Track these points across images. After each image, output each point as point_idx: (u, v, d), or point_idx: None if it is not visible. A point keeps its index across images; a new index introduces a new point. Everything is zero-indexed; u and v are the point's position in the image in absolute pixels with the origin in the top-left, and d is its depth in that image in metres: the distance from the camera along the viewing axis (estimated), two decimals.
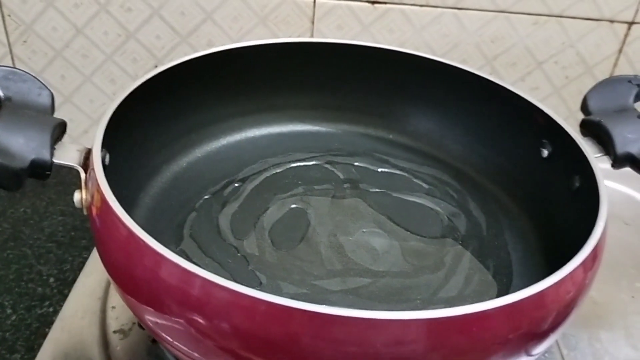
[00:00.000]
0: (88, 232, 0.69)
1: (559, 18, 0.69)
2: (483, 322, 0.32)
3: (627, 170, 0.46)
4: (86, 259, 0.65)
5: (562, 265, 0.40)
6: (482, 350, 0.33)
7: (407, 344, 0.31)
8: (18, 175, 0.37)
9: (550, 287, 0.33)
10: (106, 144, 0.41)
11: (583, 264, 0.34)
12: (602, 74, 0.72)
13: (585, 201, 0.43)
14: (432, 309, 0.38)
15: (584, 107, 0.49)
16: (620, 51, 0.70)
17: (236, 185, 0.53)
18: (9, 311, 0.59)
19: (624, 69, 0.71)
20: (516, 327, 0.32)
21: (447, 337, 0.31)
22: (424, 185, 0.55)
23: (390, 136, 0.60)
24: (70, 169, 0.40)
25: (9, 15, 0.71)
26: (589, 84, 0.72)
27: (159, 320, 0.36)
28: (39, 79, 0.43)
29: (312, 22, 0.70)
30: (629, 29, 0.69)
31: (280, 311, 0.31)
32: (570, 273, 0.34)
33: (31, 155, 0.38)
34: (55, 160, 0.39)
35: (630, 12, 0.68)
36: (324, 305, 0.31)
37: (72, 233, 0.69)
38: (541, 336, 0.34)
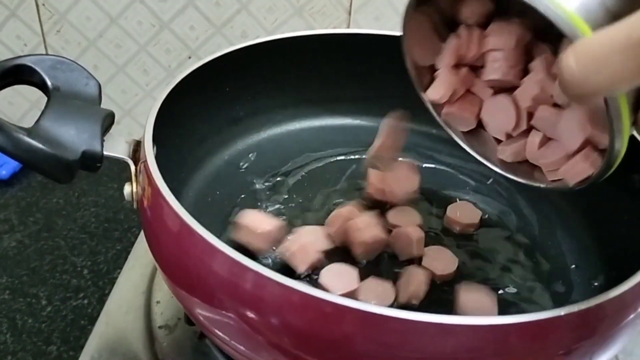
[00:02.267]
0: (121, 224, 0.68)
1: None
2: (551, 330, 0.30)
3: None
4: (119, 250, 0.65)
5: (623, 268, 0.39)
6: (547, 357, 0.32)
7: (474, 350, 0.30)
8: (70, 167, 0.36)
9: (621, 295, 0.31)
10: (153, 136, 0.40)
11: None
12: None
13: None
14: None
15: None
16: None
17: (279, 179, 0.52)
18: (44, 302, 0.59)
19: None
20: (583, 336, 0.31)
21: (514, 344, 0.30)
22: (471, 182, 0.54)
23: (434, 131, 0.58)
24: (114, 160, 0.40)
25: (43, 5, 0.70)
26: None
27: (209, 314, 0.35)
28: (87, 69, 0.42)
29: (349, 13, 0.69)
30: None
31: (334, 309, 0.30)
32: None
33: (82, 147, 0.37)
34: (106, 153, 0.38)
35: None
36: (380, 306, 0.30)
37: (105, 224, 0.69)
38: (606, 346, 0.33)
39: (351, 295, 0.40)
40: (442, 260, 0.44)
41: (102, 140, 0.39)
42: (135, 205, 0.40)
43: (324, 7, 0.69)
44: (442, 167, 0.54)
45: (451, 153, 0.57)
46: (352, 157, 0.54)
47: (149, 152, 0.38)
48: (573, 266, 0.46)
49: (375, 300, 0.40)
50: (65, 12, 0.70)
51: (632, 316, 0.34)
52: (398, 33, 0.58)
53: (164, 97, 0.43)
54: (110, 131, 0.76)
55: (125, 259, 0.56)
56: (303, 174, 0.54)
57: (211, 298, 0.34)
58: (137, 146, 0.40)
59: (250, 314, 0.32)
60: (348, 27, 0.70)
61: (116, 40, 0.72)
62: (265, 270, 0.31)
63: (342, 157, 0.56)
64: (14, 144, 0.34)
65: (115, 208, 0.70)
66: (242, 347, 0.35)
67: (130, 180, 0.39)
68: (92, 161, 0.38)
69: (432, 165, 0.52)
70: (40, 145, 0.35)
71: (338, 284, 0.40)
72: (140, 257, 0.53)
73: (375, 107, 0.60)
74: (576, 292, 0.43)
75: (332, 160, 0.56)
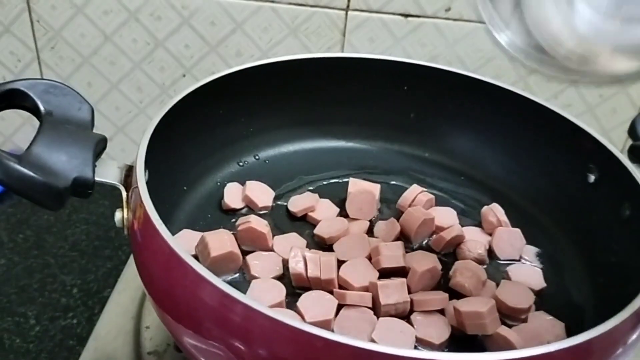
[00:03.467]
0: (112, 242, 0.68)
1: None
2: None
3: None
4: (110, 269, 0.64)
5: (611, 295, 0.39)
6: None
7: None
8: (60, 195, 0.36)
9: (610, 330, 0.32)
10: (146, 161, 0.40)
11: None
12: (637, 94, 0.71)
13: (636, 230, 0.42)
14: None
15: (633, 132, 0.48)
16: None
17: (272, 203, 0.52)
18: (32, 322, 0.58)
19: None
20: None
21: None
22: (463, 206, 0.54)
23: (427, 154, 0.59)
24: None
25: (38, 21, 0.70)
26: (624, 103, 0.72)
27: (197, 343, 0.35)
28: (79, 93, 0.42)
29: (344, 35, 0.69)
30: None
31: (325, 344, 0.30)
32: (636, 312, 0.32)
33: (74, 174, 0.37)
34: (97, 179, 0.38)
35: None
36: (371, 343, 0.30)
37: (96, 242, 0.68)
38: None
39: (326, 324, 0.40)
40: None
41: (94, 166, 0.38)
42: (125, 232, 0.39)
43: (319, 28, 0.69)
44: (434, 191, 0.54)
45: (443, 177, 0.57)
46: (345, 179, 0.54)
47: (141, 179, 0.37)
48: (559, 293, 0.46)
49: (351, 332, 0.40)
50: (60, 28, 0.70)
51: (620, 350, 0.34)
52: (392, 57, 0.58)
53: (157, 122, 0.43)
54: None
55: (116, 277, 0.55)
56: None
57: (199, 327, 0.34)
58: (129, 171, 0.40)
59: (239, 345, 0.33)
60: (342, 48, 0.70)
61: (110, 58, 0.72)
62: (253, 302, 0.31)
63: (336, 180, 0.56)
64: (4, 172, 0.34)
65: (106, 226, 0.70)
66: None
67: (121, 206, 0.39)
68: (83, 188, 0.37)
69: (425, 190, 0.52)
70: (30, 174, 0.34)
71: (313, 311, 0.40)
72: (131, 280, 0.53)
73: (368, 130, 0.60)
74: (568, 320, 0.43)
75: (325, 183, 0.56)
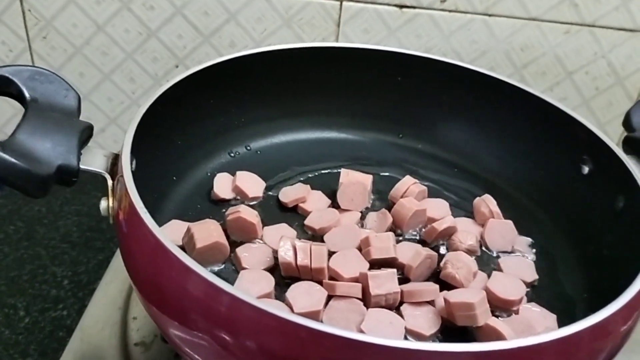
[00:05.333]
0: (103, 233, 0.68)
1: (591, 27, 0.67)
2: (532, 357, 0.30)
3: None
4: (101, 261, 0.64)
5: (603, 287, 0.39)
6: None
7: None
8: (44, 182, 0.36)
9: (609, 318, 0.31)
10: (133, 149, 0.40)
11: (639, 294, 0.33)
12: (633, 86, 0.70)
13: (630, 222, 0.41)
14: None
15: (627, 124, 0.47)
16: None
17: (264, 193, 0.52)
18: (22, 313, 0.58)
19: None
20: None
21: None
22: (456, 198, 0.53)
23: (420, 146, 0.58)
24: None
25: (29, 10, 0.69)
26: (620, 95, 0.71)
27: (183, 335, 0.35)
28: (66, 79, 0.41)
29: (338, 25, 0.69)
30: None
31: (312, 335, 0.30)
32: (626, 304, 0.32)
33: (58, 161, 0.36)
34: (82, 167, 0.38)
35: None
36: (358, 333, 0.30)
37: (88, 234, 0.68)
38: None
39: (315, 315, 0.39)
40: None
41: (79, 154, 0.38)
42: (111, 221, 0.39)
43: (313, 19, 0.68)
44: (427, 183, 0.53)
45: (436, 169, 0.56)
46: (337, 170, 0.53)
47: (127, 167, 0.37)
48: (553, 286, 0.46)
49: (340, 323, 0.39)
50: (52, 18, 0.69)
51: (610, 342, 0.33)
52: (386, 48, 0.58)
53: (145, 110, 0.43)
54: (97, 139, 0.76)
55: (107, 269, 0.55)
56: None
57: (185, 319, 0.33)
58: (115, 160, 0.40)
59: (225, 336, 0.32)
60: (337, 39, 0.69)
61: (103, 48, 0.71)
62: (239, 293, 0.31)
63: (328, 171, 0.56)
64: None
65: (97, 217, 0.70)
66: None
67: (107, 194, 0.39)
68: (67, 176, 0.37)
69: (417, 181, 0.52)
70: (13, 160, 0.34)
71: (302, 302, 0.40)
72: (118, 271, 0.52)
73: (362, 121, 0.60)
74: (560, 312, 0.42)
75: (317, 174, 0.55)
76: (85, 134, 0.39)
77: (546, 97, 0.52)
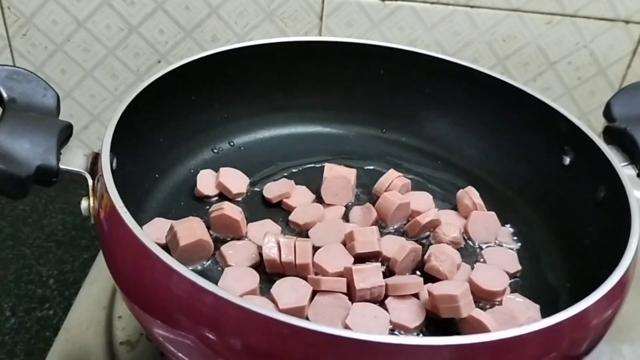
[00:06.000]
0: (89, 232, 0.67)
1: (573, 18, 0.67)
2: (515, 348, 0.30)
3: None
4: (87, 259, 0.64)
5: (585, 277, 0.39)
6: None
7: None
8: (23, 183, 0.35)
9: (590, 307, 0.31)
10: (113, 148, 0.39)
11: (619, 283, 0.33)
12: (615, 76, 0.71)
13: (611, 212, 0.42)
14: None
15: (608, 114, 0.48)
16: (634, 52, 0.69)
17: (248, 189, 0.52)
18: (8, 314, 0.57)
19: (637, 71, 0.70)
20: (548, 351, 0.31)
21: None
22: (439, 190, 0.54)
23: (403, 139, 0.59)
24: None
25: (9, 8, 0.68)
26: (602, 85, 0.71)
27: (167, 334, 0.35)
28: (43, 78, 0.41)
29: (321, 19, 0.68)
30: None
31: (295, 332, 0.30)
32: (607, 293, 0.32)
33: (37, 162, 0.36)
34: (62, 166, 0.38)
35: None
36: (341, 329, 0.30)
37: (73, 232, 0.67)
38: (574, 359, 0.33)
39: (300, 311, 0.39)
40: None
41: (59, 154, 0.38)
42: (92, 221, 0.39)
43: (296, 12, 0.68)
44: (411, 176, 0.53)
45: (420, 162, 0.57)
46: (322, 165, 0.53)
47: (106, 166, 0.37)
48: (535, 278, 0.46)
49: (325, 318, 0.39)
50: (32, 15, 0.69)
51: (592, 332, 0.34)
52: (368, 41, 0.58)
53: (124, 108, 0.42)
54: (80, 137, 0.75)
55: None
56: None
57: (169, 318, 0.33)
58: (96, 159, 0.39)
59: (209, 335, 0.32)
60: (320, 32, 0.69)
61: (84, 45, 0.70)
62: (222, 291, 0.31)
63: (312, 166, 0.56)
64: None
65: (82, 215, 0.69)
66: None
67: (87, 194, 0.38)
68: (47, 176, 0.37)
69: (402, 175, 0.52)
70: None
71: (287, 298, 0.40)
72: (103, 270, 0.52)
73: (345, 115, 0.59)
74: (543, 302, 0.43)
75: (301, 169, 0.55)
76: (65, 133, 0.39)
77: (528, 89, 0.52)
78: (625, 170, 0.43)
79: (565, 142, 0.49)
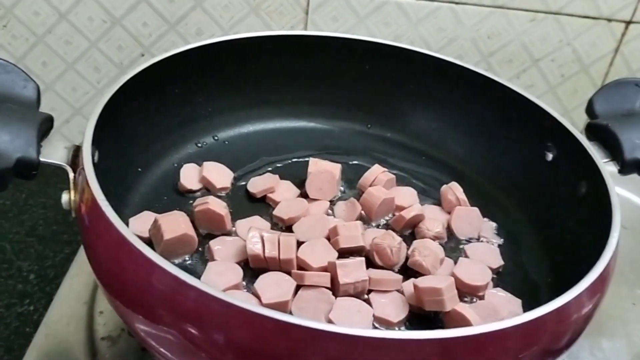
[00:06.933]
0: (70, 227, 0.66)
1: (557, 15, 0.68)
2: (496, 342, 0.30)
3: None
4: (68, 254, 0.63)
5: (566, 272, 0.40)
6: None
7: None
8: (3, 176, 0.35)
9: (571, 302, 0.32)
10: (95, 141, 0.39)
11: (600, 277, 0.33)
12: (597, 73, 0.71)
13: (592, 208, 0.42)
14: None
15: (590, 110, 0.48)
16: (616, 50, 0.70)
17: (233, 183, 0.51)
18: None
19: (619, 69, 0.71)
20: (529, 345, 0.32)
21: (458, 357, 0.30)
22: (423, 186, 0.54)
23: (388, 134, 0.59)
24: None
25: None
26: (585, 83, 0.72)
27: (149, 329, 0.34)
28: (24, 70, 0.40)
29: (306, 13, 0.68)
30: (626, 28, 0.68)
31: (278, 326, 0.30)
32: (588, 288, 0.33)
33: (17, 154, 0.36)
34: (42, 159, 0.37)
35: (628, 11, 0.67)
36: (324, 323, 0.30)
37: (54, 227, 0.67)
38: (555, 354, 0.33)
39: (283, 306, 0.39)
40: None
41: (39, 146, 0.37)
42: (73, 214, 0.38)
43: (281, 6, 0.68)
44: (396, 171, 0.54)
45: (404, 157, 0.57)
46: (307, 160, 0.53)
47: (87, 159, 0.36)
48: (516, 272, 0.47)
49: (309, 313, 0.39)
50: (12, 6, 0.67)
51: (572, 326, 0.34)
52: (353, 36, 0.58)
53: (106, 101, 0.42)
54: (62, 131, 0.74)
55: None
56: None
57: (151, 313, 0.33)
58: (77, 151, 0.39)
59: (191, 330, 0.32)
60: (305, 27, 0.69)
61: (66, 37, 0.69)
62: (204, 285, 0.31)
63: (297, 160, 0.55)
64: None
65: (64, 210, 0.68)
66: None
67: (68, 187, 0.38)
68: (27, 169, 0.36)
69: (386, 169, 0.52)
70: None
71: (270, 292, 0.40)
72: (84, 265, 0.51)
73: (330, 110, 0.59)
74: (525, 296, 0.43)
75: (286, 163, 0.55)
76: (45, 125, 0.38)
77: (511, 85, 0.52)
78: (606, 167, 0.43)
79: (548, 139, 0.49)
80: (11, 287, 0.59)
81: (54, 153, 0.38)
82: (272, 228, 0.47)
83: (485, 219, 0.50)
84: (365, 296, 0.42)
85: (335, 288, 0.41)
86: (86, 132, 0.38)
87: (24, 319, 0.56)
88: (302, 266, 0.43)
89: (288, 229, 0.47)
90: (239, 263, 0.43)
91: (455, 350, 0.30)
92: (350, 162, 0.56)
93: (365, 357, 0.30)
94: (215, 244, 0.44)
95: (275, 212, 0.48)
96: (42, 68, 0.71)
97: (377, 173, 0.51)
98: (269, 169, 0.54)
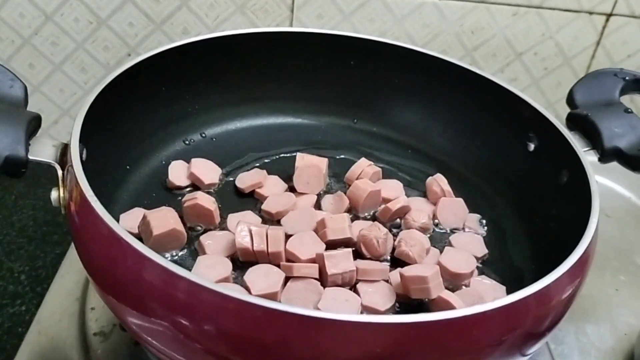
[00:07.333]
0: (60, 227, 0.67)
1: (539, 9, 0.69)
2: (479, 325, 0.31)
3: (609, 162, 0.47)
4: (59, 255, 0.63)
5: (549, 259, 0.40)
6: (478, 351, 0.32)
7: (407, 348, 0.31)
8: None
9: (551, 284, 0.33)
10: (83, 139, 0.39)
11: (579, 261, 0.34)
12: (580, 66, 0.72)
13: (573, 195, 0.43)
14: None
15: (570, 101, 0.49)
16: (598, 43, 0.71)
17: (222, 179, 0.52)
18: None
19: (601, 61, 0.72)
20: (512, 328, 0.32)
21: (443, 340, 0.31)
22: (409, 178, 0.55)
23: (374, 129, 0.59)
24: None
25: None
26: (568, 75, 0.73)
27: (141, 322, 0.35)
28: (21, 74, 0.40)
29: (292, 11, 0.69)
30: (607, 20, 0.69)
31: (269, 315, 0.30)
32: (568, 271, 0.34)
33: (5, 152, 0.36)
34: (31, 157, 0.37)
35: (608, 4, 0.68)
36: (316, 310, 0.31)
37: (44, 228, 0.67)
38: (537, 336, 0.34)
39: (272, 297, 0.40)
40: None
41: (27, 145, 0.37)
42: (62, 212, 0.38)
43: (267, 4, 0.68)
44: (382, 165, 0.54)
45: (390, 150, 0.57)
46: (294, 155, 0.54)
47: (76, 156, 0.37)
48: (502, 259, 0.48)
49: (298, 303, 0.40)
50: None
51: (555, 308, 0.35)
52: (339, 32, 0.58)
53: (93, 98, 0.42)
54: (49, 132, 0.74)
55: None
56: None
57: (143, 306, 0.33)
58: (65, 149, 0.39)
59: (184, 322, 0.32)
60: (291, 24, 0.70)
61: (52, 38, 0.70)
62: (196, 277, 0.31)
63: (284, 156, 0.56)
64: None
65: (54, 211, 0.68)
66: (176, 355, 0.35)
67: (57, 185, 0.38)
68: (15, 167, 0.36)
69: (372, 163, 0.53)
70: None
71: (260, 284, 0.40)
72: (75, 262, 0.51)
73: (317, 105, 0.60)
74: (509, 283, 0.44)
75: (273, 159, 0.56)
76: (33, 124, 0.39)
77: (493, 78, 0.53)
78: (587, 156, 0.44)
79: (530, 129, 0.50)
80: (2, 288, 0.59)
81: (43, 151, 0.39)
82: (262, 222, 0.48)
83: (470, 210, 0.51)
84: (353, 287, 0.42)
85: (323, 279, 0.42)
86: (73, 130, 0.39)
87: (16, 320, 0.56)
88: (291, 258, 0.43)
89: (277, 223, 0.47)
90: (229, 257, 0.44)
91: (440, 333, 0.31)
92: (337, 157, 0.56)
93: (352, 342, 0.30)
94: (206, 239, 0.44)
95: (264, 206, 0.49)
96: (29, 70, 0.71)
97: (363, 166, 0.52)
98: (257, 164, 0.54)
